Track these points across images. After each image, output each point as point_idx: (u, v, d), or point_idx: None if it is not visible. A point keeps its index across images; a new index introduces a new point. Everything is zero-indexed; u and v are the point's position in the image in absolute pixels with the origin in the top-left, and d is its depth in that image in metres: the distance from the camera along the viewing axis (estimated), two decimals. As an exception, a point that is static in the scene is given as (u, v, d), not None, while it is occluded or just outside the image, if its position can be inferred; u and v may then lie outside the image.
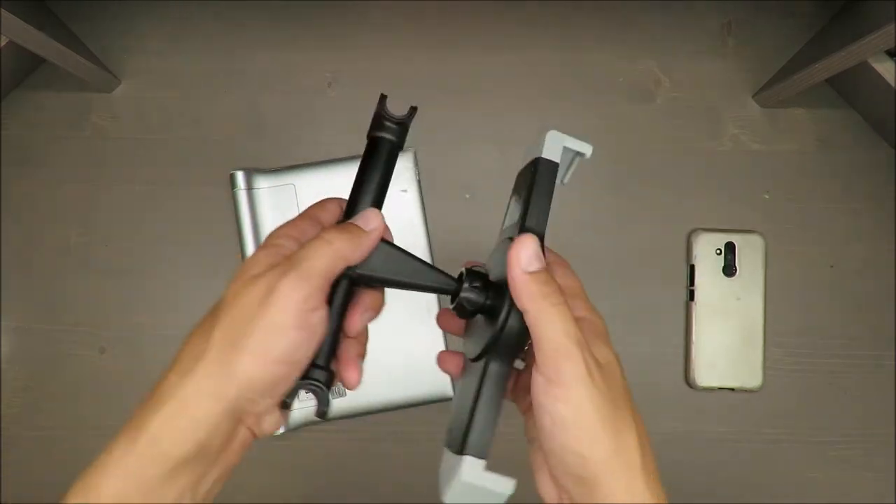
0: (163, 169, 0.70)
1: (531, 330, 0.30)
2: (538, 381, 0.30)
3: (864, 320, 0.69)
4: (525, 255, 0.30)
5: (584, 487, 0.29)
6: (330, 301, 0.33)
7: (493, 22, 0.71)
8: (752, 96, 0.71)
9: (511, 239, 0.33)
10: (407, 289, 0.35)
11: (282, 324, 0.29)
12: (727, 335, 0.68)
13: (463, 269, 0.35)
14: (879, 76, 0.61)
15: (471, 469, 0.30)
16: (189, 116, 0.70)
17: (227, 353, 0.29)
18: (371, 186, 0.35)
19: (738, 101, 0.71)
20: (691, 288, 0.68)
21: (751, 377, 0.68)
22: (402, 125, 0.36)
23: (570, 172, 0.36)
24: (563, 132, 0.34)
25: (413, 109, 0.36)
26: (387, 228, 0.35)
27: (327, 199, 0.35)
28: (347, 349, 0.35)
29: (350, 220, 0.33)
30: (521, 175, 0.37)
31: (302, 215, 0.34)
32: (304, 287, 0.29)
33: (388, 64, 0.71)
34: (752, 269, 0.68)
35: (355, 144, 0.75)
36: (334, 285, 0.33)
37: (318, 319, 0.30)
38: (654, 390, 0.69)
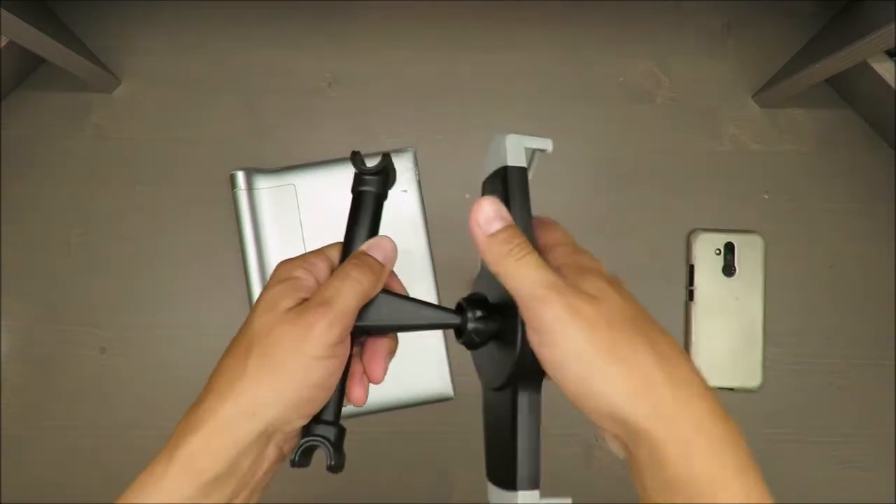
0: (163, 169, 0.70)
1: (509, 290, 0.30)
2: (531, 337, 0.30)
3: (864, 320, 0.69)
4: (483, 218, 0.31)
5: (615, 420, 0.28)
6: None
7: (494, 22, 0.71)
8: (752, 96, 0.71)
9: None
10: (410, 330, 0.35)
11: (318, 355, 0.31)
12: (727, 335, 0.68)
13: (462, 301, 0.35)
14: (879, 76, 0.61)
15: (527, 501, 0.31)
16: (189, 116, 0.70)
17: (265, 378, 0.31)
18: (362, 238, 0.35)
19: (738, 101, 0.71)
20: (691, 288, 0.68)
21: (750, 377, 0.68)
22: (381, 174, 0.36)
23: (532, 168, 0.35)
24: (524, 132, 0.34)
25: (386, 156, 0.36)
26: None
27: (337, 243, 0.37)
28: (355, 368, 0.36)
29: (366, 252, 0.34)
30: (488, 183, 0.37)
31: (313, 252, 0.36)
32: (339, 326, 0.31)
33: (388, 64, 0.71)
34: (752, 269, 0.68)
35: (355, 144, 0.75)
36: None
37: (345, 348, 0.32)
38: (654, 390, 0.69)
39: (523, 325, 0.30)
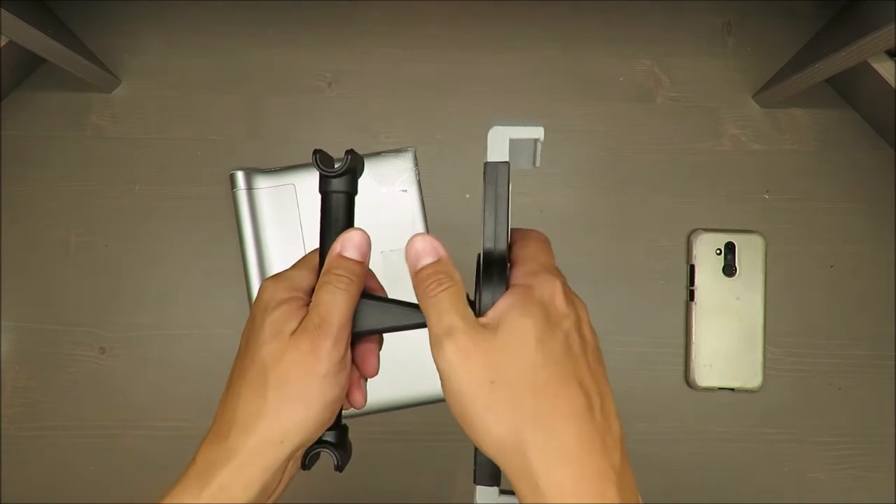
0: (163, 169, 0.70)
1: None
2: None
3: (864, 320, 0.69)
4: (412, 256, 0.32)
5: (492, 458, 0.29)
6: None
7: (494, 22, 0.71)
8: (752, 96, 0.71)
9: (480, 255, 0.33)
10: (406, 330, 0.35)
11: (330, 374, 0.32)
12: (727, 335, 0.68)
13: None
14: (879, 76, 0.61)
15: (484, 497, 0.33)
16: (189, 116, 0.70)
17: (287, 408, 0.32)
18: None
19: (738, 101, 0.71)
20: (691, 288, 0.68)
21: (751, 377, 0.68)
22: (348, 173, 0.35)
23: (537, 155, 0.34)
24: (514, 122, 0.33)
25: (349, 153, 0.35)
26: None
27: (314, 250, 0.36)
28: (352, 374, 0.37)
29: (342, 254, 0.34)
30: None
31: (294, 267, 0.36)
32: (342, 340, 0.32)
33: (388, 64, 0.71)
34: (752, 269, 0.68)
35: (355, 144, 0.75)
36: None
37: (349, 359, 0.33)
38: (654, 390, 0.69)
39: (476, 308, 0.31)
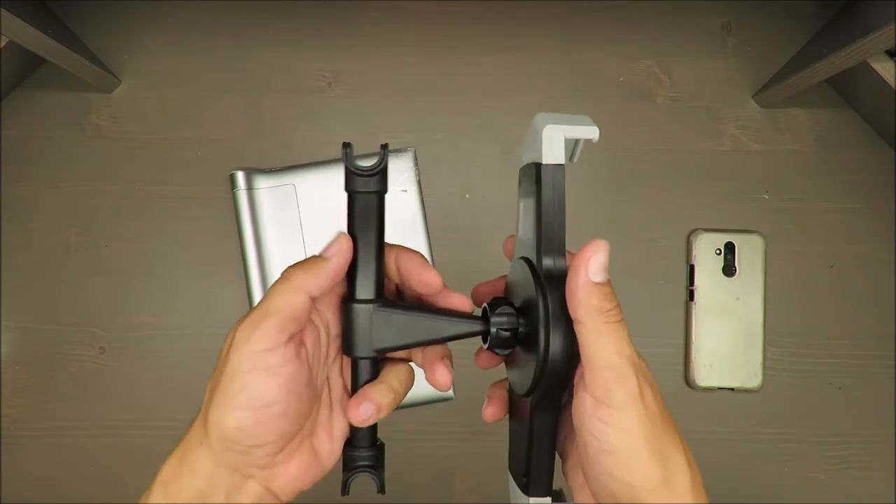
0: (163, 169, 0.70)
1: (582, 345, 0.28)
2: (585, 400, 0.28)
3: (864, 320, 0.69)
4: (596, 264, 0.28)
5: None
6: (355, 379, 0.33)
7: (494, 22, 0.71)
8: (752, 96, 0.71)
9: (525, 259, 0.31)
10: (432, 344, 0.34)
11: (235, 370, 0.29)
12: (727, 335, 0.68)
13: (486, 305, 0.33)
14: (879, 76, 0.61)
15: None
16: (189, 116, 0.70)
17: (206, 405, 0.30)
18: (369, 247, 0.31)
19: (738, 101, 0.71)
20: (691, 288, 0.68)
21: (751, 377, 0.68)
22: (381, 173, 0.31)
23: (578, 152, 0.32)
24: (558, 116, 0.31)
25: (384, 147, 0.31)
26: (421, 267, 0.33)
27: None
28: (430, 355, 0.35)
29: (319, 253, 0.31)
30: (523, 175, 0.33)
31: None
32: (256, 329, 0.29)
33: (388, 64, 0.71)
34: (752, 269, 0.68)
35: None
36: (355, 364, 0.33)
37: (277, 359, 0.29)
38: (654, 390, 0.69)
39: (547, 335, 0.28)
